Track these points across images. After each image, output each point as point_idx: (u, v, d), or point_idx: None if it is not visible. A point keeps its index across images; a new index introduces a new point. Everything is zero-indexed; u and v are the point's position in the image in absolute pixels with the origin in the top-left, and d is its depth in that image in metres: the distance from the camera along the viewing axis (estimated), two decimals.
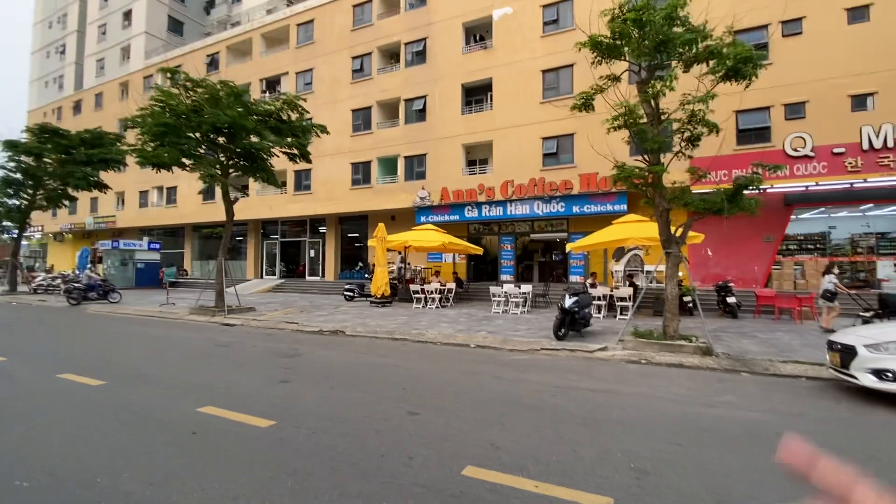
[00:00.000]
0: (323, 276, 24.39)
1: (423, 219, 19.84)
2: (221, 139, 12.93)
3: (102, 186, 22.33)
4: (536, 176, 17.96)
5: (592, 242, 12.62)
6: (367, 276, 20.07)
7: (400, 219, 21.02)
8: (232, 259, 28.59)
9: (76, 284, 16.93)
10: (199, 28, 36.81)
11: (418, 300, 15.08)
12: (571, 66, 17.51)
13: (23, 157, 21.15)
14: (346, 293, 17.62)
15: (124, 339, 9.53)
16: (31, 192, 21.85)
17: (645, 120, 8.59)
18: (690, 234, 9.74)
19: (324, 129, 14.07)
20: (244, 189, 14.36)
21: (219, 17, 36.75)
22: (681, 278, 9.29)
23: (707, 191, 10.38)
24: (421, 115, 21.50)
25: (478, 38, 21.49)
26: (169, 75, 11.92)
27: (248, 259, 26.96)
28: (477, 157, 21.40)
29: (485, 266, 21.26)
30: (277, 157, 14.65)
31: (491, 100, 20.09)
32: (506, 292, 13.59)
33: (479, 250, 17.66)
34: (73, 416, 4.56)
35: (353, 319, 11.94)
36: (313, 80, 24.59)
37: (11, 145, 20.78)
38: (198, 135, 12.88)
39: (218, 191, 27.35)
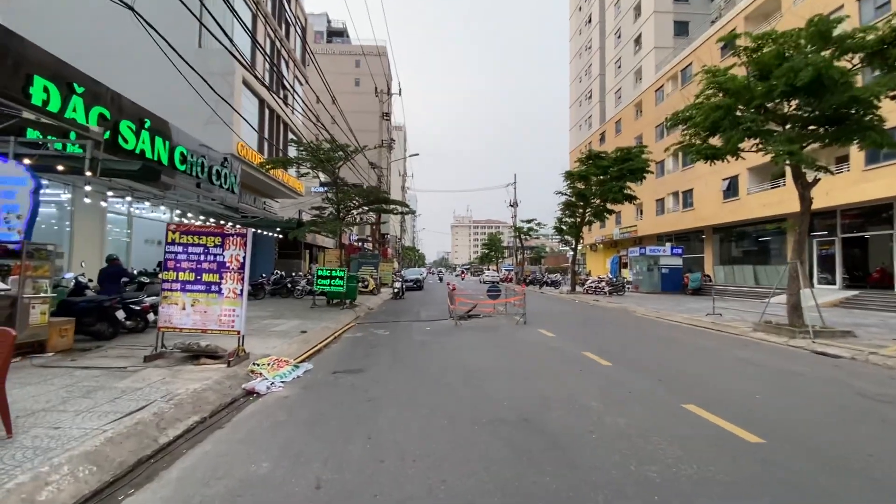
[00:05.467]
0: None
1: None
2: (793, 103, 9.72)
3: (632, 198, 24.45)
4: None
5: None
6: None
7: None
8: (759, 263, 24.09)
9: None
10: (703, 20, 34.82)
11: None
12: None
13: (576, 184, 26.47)
14: None
15: (707, 357, 8.19)
16: (581, 210, 27.15)
17: None
18: None
19: None
20: (822, 168, 10.41)
21: None
22: None
23: None
24: None
25: None
26: (725, 45, 10.04)
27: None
28: None
29: None
30: (879, 107, 9.67)
31: None
32: None
33: None
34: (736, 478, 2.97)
35: None
36: None
37: (569, 175, 26.80)
38: (752, 109, 10.35)
39: (742, 186, 23.90)
